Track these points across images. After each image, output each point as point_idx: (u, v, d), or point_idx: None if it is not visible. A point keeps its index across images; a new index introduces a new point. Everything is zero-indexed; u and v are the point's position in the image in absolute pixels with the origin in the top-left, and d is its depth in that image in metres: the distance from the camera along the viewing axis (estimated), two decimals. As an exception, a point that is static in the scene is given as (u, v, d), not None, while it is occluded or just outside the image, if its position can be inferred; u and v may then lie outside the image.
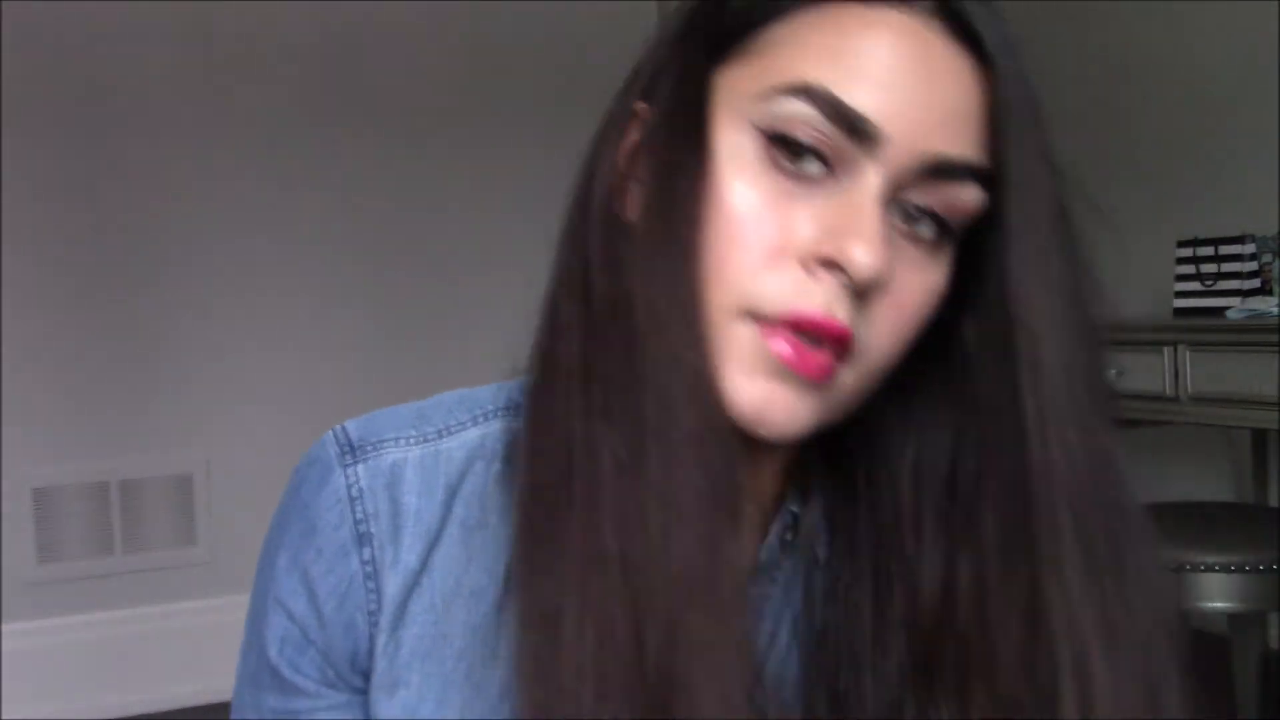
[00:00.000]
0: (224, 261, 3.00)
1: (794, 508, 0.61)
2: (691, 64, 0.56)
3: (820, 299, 0.51)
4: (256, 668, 0.63)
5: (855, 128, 0.52)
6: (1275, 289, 2.48)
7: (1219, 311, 2.44)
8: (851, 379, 0.54)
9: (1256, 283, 2.49)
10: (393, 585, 0.59)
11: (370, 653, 0.59)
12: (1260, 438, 2.74)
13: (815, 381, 0.52)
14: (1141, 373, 2.44)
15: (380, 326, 3.13)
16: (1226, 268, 2.51)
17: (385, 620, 0.59)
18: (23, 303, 2.81)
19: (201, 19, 2.97)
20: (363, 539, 0.59)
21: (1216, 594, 2.01)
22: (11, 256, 2.80)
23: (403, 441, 0.60)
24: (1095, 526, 0.53)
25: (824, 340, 0.52)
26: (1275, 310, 2.31)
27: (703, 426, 0.53)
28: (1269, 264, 2.50)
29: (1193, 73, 3.01)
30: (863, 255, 0.50)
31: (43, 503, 2.83)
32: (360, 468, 0.59)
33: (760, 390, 0.53)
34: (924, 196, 0.53)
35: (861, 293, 0.52)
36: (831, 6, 0.54)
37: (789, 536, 0.61)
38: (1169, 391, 2.38)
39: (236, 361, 3.00)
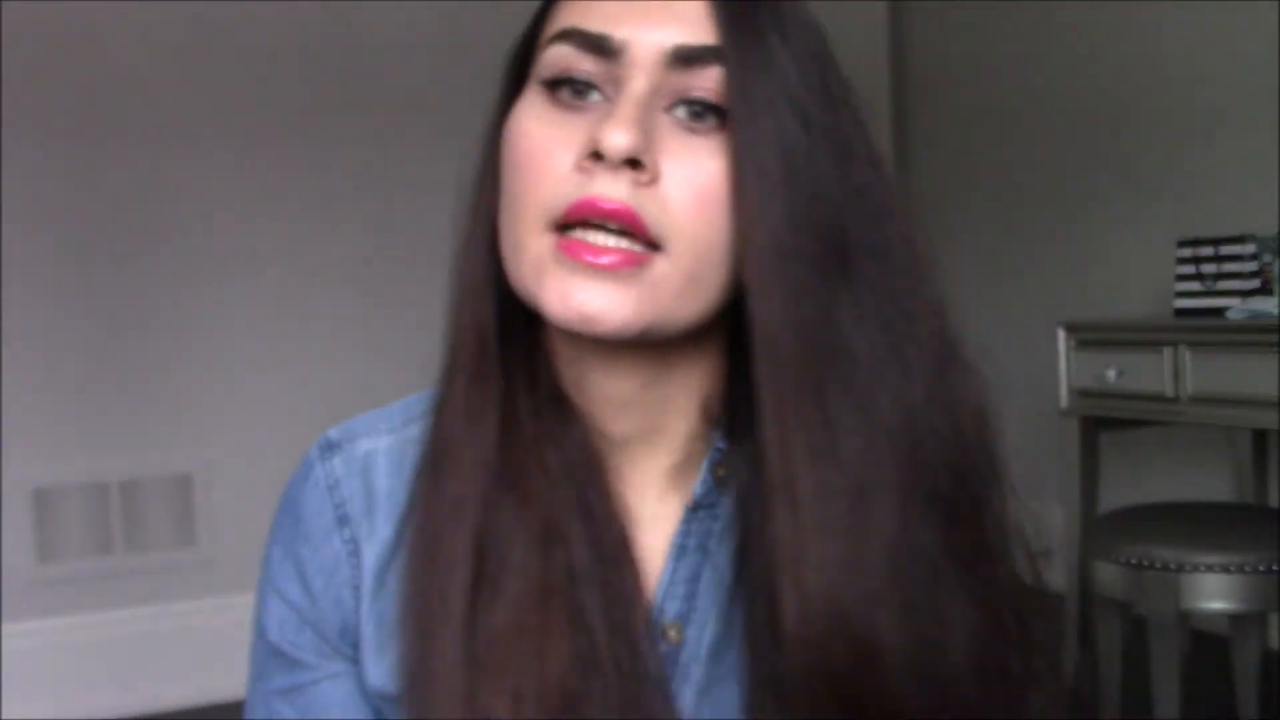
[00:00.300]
0: (224, 262, 3.00)
1: (720, 444, 0.65)
2: (509, 74, 0.66)
3: (595, 186, 0.57)
4: (262, 658, 0.70)
5: (602, 47, 0.59)
6: (1275, 289, 2.48)
7: (1219, 311, 2.44)
8: (670, 266, 0.58)
9: (1257, 283, 2.49)
10: (371, 557, 0.67)
11: (358, 624, 0.67)
12: (1260, 438, 2.74)
13: (624, 271, 0.57)
14: (1141, 373, 2.44)
15: (380, 327, 3.13)
16: (1226, 268, 2.51)
17: (367, 590, 0.66)
18: (23, 303, 2.81)
19: (200, 19, 2.96)
20: (342, 520, 0.67)
21: (1216, 594, 2.01)
22: (12, 255, 2.80)
23: (374, 434, 0.70)
24: (804, 362, 0.59)
25: (610, 224, 0.57)
26: (1275, 310, 2.31)
27: (471, 372, 0.64)
28: (1269, 264, 2.50)
29: (1193, 73, 3.01)
30: (612, 134, 0.56)
31: (43, 503, 2.83)
32: (337, 459, 0.69)
33: (568, 290, 0.58)
34: (695, 87, 0.59)
35: (632, 171, 0.57)
36: None
37: (720, 472, 0.65)
38: (1169, 391, 2.38)
39: (237, 362, 3.00)
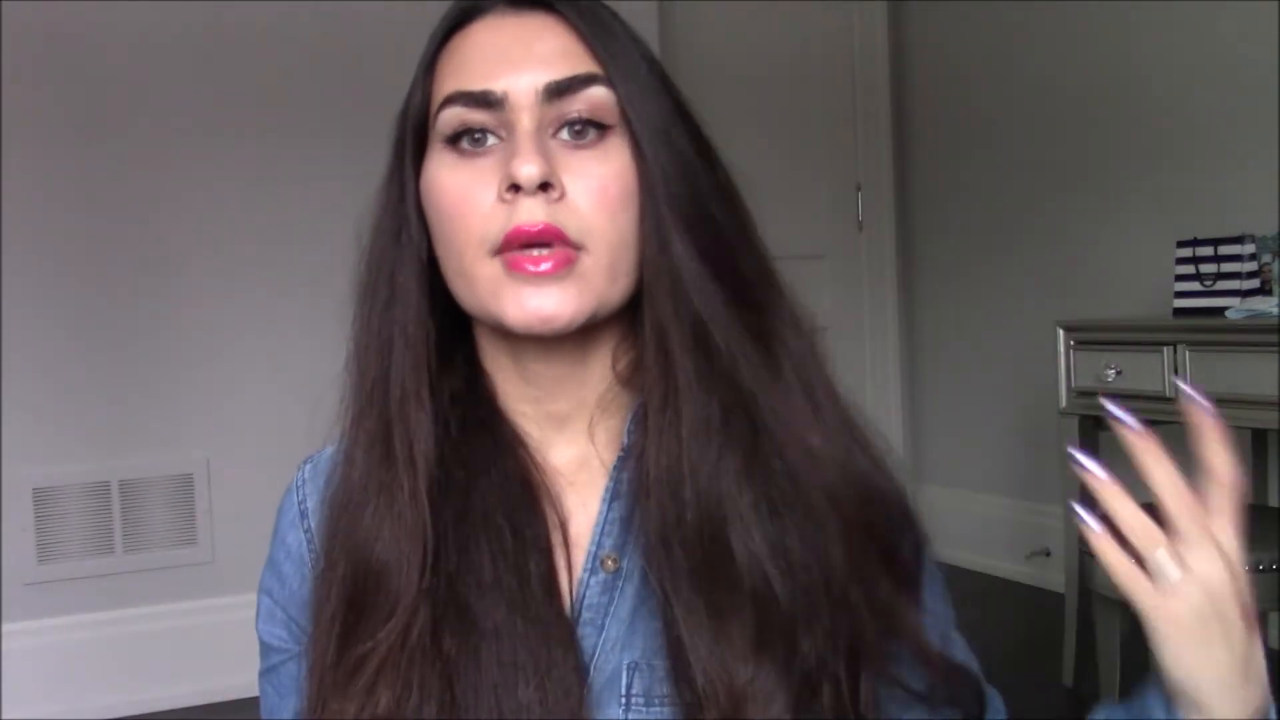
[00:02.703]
0: (224, 261, 3.00)
1: (640, 402, 0.75)
2: (412, 138, 0.76)
3: (520, 214, 0.69)
4: (261, 654, 0.82)
5: (487, 101, 0.71)
6: (1275, 289, 2.48)
7: (1219, 311, 2.44)
8: (593, 260, 0.70)
9: (1256, 283, 2.49)
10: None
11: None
12: (1260, 438, 2.74)
13: (558, 272, 0.69)
14: (1141, 373, 2.45)
15: (380, 326, 3.13)
16: (1226, 268, 2.51)
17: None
18: (23, 303, 2.81)
19: (201, 19, 2.97)
20: (303, 514, 0.80)
21: (1216, 594, 2.00)
22: (11, 256, 2.80)
23: (342, 442, 0.79)
24: (690, 344, 0.71)
25: (541, 241, 0.69)
26: (1275, 310, 2.31)
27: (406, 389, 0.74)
28: (1269, 264, 2.50)
29: (1193, 73, 3.01)
30: (521, 168, 0.68)
31: (43, 503, 2.83)
32: (307, 467, 0.82)
33: (524, 299, 0.69)
34: (573, 110, 0.71)
35: (545, 193, 0.68)
36: (449, 44, 0.76)
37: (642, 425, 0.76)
38: (1169, 391, 2.38)
39: (236, 361, 3.00)
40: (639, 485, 0.72)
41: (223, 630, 2.80)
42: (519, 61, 0.71)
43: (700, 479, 0.69)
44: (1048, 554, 3.40)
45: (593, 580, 0.74)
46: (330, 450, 0.79)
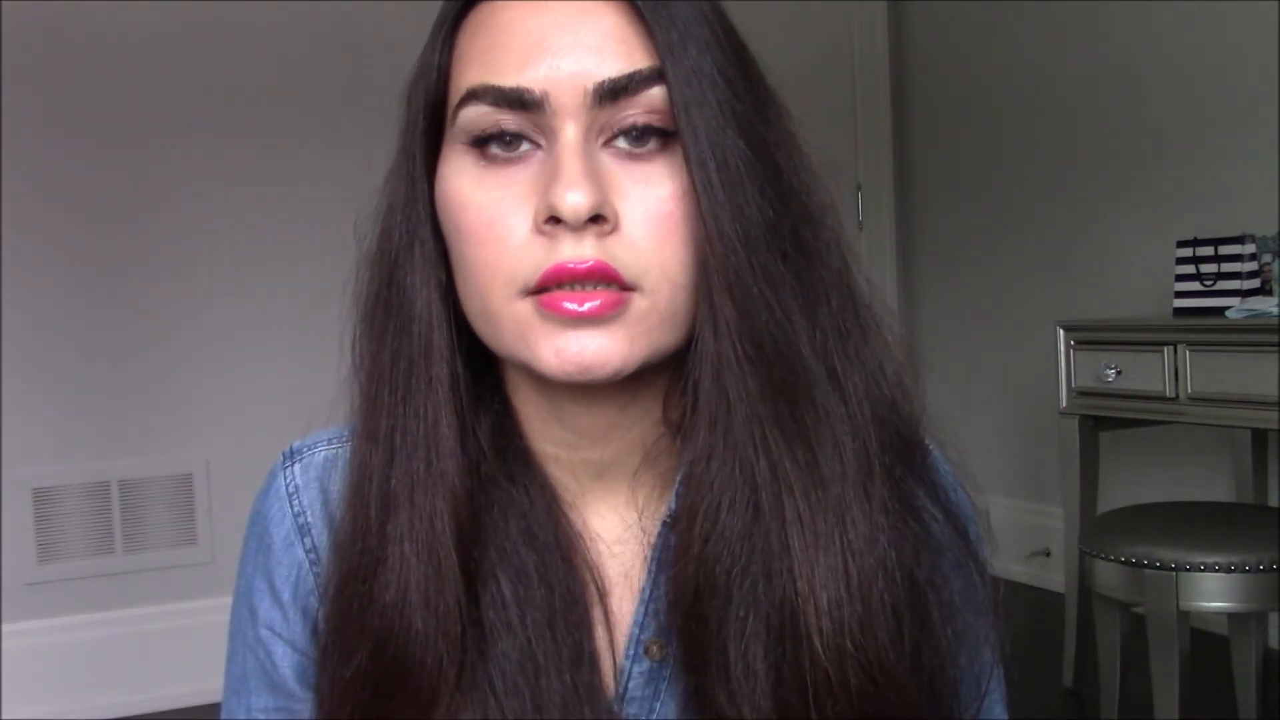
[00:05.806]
0: (224, 261, 3.00)
1: (690, 454, 0.62)
2: (426, 122, 0.62)
3: (563, 250, 0.56)
4: (242, 672, 0.71)
5: (524, 101, 0.57)
6: (1275, 289, 2.48)
7: (1219, 311, 2.44)
8: (648, 302, 0.57)
9: (1256, 283, 2.49)
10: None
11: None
12: (1260, 438, 2.74)
13: (610, 314, 0.56)
14: (1141, 373, 2.44)
15: (380, 326, 3.13)
16: (1226, 268, 2.51)
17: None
18: (23, 303, 2.81)
19: (201, 19, 2.96)
20: (303, 529, 0.67)
21: (1216, 594, 2.01)
22: (11, 256, 2.80)
23: (334, 442, 0.69)
24: (775, 378, 0.58)
25: (586, 280, 0.56)
26: (1275, 310, 2.31)
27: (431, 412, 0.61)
28: (1269, 264, 2.50)
29: (1193, 73, 3.01)
30: (566, 197, 0.55)
31: (43, 503, 2.83)
32: (296, 468, 0.69)
33: (561, 345, 0.56)
34: (630, 115, 0.57)
35: (595, 224, 0.56)
36: (472, 15, 0.61)
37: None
38: (1169, 391, 2.38)
39: (236, 361, 3.00)
40: (687, 553, 0.59)
41: (222, 630, 2.80)
42: (563, 50, 0.57)
43: (710, 583, 0.58)
44: (1048, 554, 3.39)
45: (635, 670, 0.63)
46: (323, 452, 0.69)
